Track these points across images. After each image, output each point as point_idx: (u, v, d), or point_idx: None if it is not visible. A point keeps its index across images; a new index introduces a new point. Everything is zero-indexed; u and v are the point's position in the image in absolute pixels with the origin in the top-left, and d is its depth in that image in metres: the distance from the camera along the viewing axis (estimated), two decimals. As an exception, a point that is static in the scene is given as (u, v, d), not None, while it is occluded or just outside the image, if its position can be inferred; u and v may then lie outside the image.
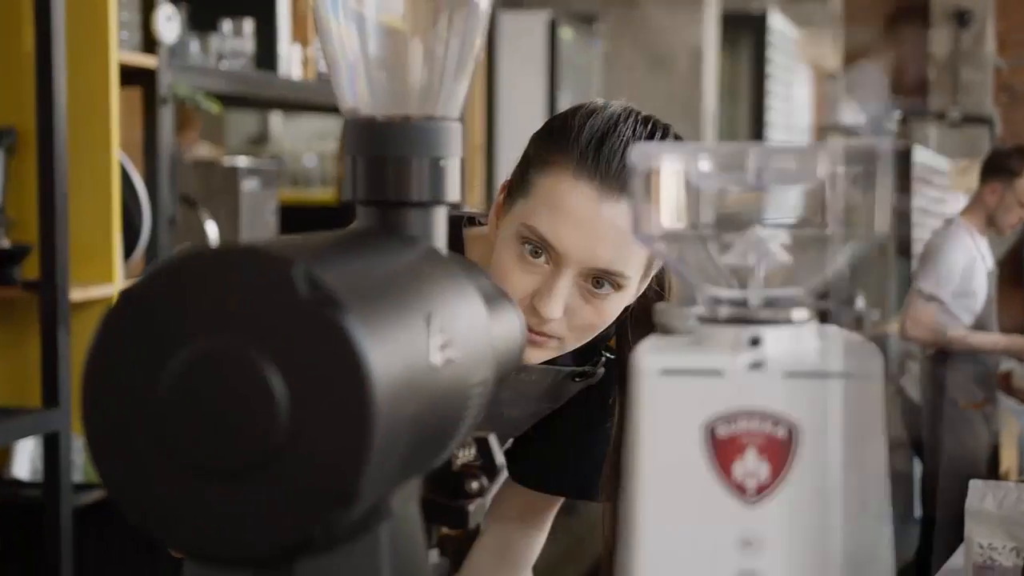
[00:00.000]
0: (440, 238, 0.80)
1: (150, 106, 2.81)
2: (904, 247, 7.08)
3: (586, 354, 1.41)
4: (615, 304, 1.28)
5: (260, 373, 0.60)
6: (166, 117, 2.83)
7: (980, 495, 1.79)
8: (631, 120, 1.28)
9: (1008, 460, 5.49)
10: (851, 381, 0.65)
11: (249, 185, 3.14)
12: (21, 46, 2.54)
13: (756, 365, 0.66)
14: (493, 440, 0.84)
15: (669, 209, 0.69)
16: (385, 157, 0.79)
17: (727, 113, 7.35)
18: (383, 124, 0.79)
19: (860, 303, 6.31)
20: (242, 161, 3.25)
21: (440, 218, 0.80)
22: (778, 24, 7.59)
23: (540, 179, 1.27)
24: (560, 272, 1.25)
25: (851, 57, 9.81)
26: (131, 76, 2.78)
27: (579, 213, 1.24)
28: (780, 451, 0.66)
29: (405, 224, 0.79)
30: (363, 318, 0.61)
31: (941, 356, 4.29)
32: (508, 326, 0.84)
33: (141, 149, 2.85)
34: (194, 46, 3.10)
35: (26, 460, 2.81)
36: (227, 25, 3.16)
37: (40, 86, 2.46)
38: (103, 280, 2.61)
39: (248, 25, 3.21)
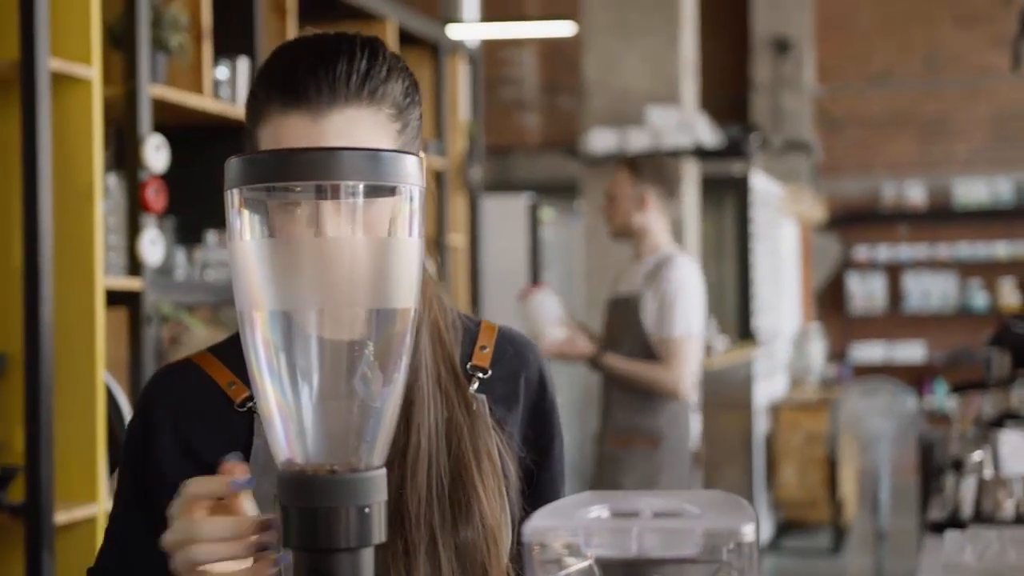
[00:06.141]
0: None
1: (135, 326, 2.91)
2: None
3: None
4: None
5: None
6: (150, 336, 2.93)
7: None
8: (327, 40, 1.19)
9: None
10: None
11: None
12: (10, 271, 2.64)
13: None
14: None
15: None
16: (315, 508, 0.87)
17: (713, 272, 7.45)
18: (312, 477, 0.87)
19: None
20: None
21: (367, 560, 0.88)
22: (760, 183, 7.75)
23: (261, 132, 1.19)
24: None
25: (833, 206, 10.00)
26: (117, 297, 2.88)
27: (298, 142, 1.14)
28: None
29: (334, 569, 0.87)
30: None
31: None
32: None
33: (127, 366, 2.93)
34: (180, 258, 3.21)
35: None
36: (211, 236, 3.28)
37: (27, 312, 2.56)
38: (87, 500, 2.67)
39: (232, 233, 3.29)
